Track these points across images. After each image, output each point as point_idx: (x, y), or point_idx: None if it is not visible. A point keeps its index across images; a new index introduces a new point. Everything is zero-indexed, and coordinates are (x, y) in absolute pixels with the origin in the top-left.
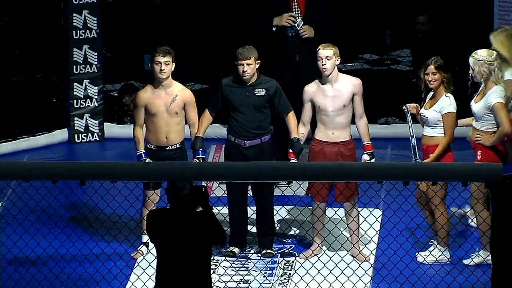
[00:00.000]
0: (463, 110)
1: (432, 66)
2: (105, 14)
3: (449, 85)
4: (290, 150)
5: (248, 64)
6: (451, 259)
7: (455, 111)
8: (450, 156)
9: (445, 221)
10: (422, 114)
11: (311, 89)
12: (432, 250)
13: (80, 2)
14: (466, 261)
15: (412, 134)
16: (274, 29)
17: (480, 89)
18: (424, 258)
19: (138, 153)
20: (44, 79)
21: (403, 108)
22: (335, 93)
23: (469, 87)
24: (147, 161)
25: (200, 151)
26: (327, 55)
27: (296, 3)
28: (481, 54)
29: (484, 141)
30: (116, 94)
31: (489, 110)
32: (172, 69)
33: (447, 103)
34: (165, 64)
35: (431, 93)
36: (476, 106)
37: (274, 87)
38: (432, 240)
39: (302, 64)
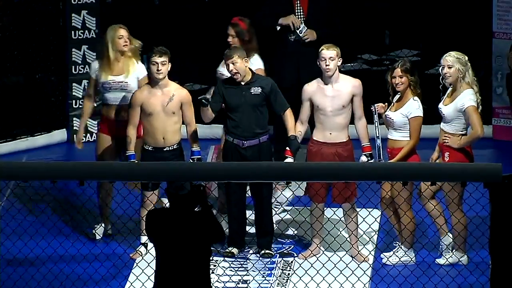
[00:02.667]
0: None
1: (398, 69)
2: (104, 15)
3: (416, 88)
4: (287, 148)
5: (233, 63)
6: (416, 259)
7: (422, 115)
8: (415, 159)
9: (411, 223)
10: (388, 116)
11: (310, 88)
12: (395, 251)
13: (79, 2)
14: (440, 261)
15: (378, 135)
16: (278, 28)
17: (449, 91)
18: (388, 258)
19: (127, 154)
20: (43, 79)
21: (371, 107)
22: (335, 93)
23: (440, 90)
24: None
25: (195, 151)
26: (331, 56)
27: (299, 3)
28: (457, 54)
29: (452, 143)
30: None
31: (460, 113)
32: (169, 69)
33: (415, 106)
34: (162, 64)
35: (397, 96)
36: (447, 108)
37: (270, 85)
38: (396, 242)
39: (302, 65)
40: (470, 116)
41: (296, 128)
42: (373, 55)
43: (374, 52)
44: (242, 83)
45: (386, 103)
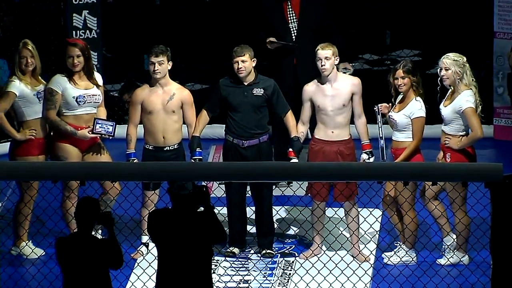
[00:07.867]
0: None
1: (400, 70)
2: (105, 14)
3: (419, 89)
4: (290, 149)
5: (243, 61)
6: (417, 259)
7: (425, 115)
8: (419, 158)
9: (412, 223)
10: (391, 117)
11: (310, 88)
12: (397, 251)
13: (80, 2)
14: (441, 261)
15: (381, 135)
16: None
17: (449, 92)
18: (389, 258)
19: (127, 152)
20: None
21: (375, 108)
22: (335, 93)
23: (438, 91)
24: (135, 161)
25: (197, 152)
26: (326, 56)
27: (290, 6)
28: (454, 56)
29: (452, 144)
30: (116, 94)
31: (457, 114)
32: (169, 68)
33: (417, 107)
34: (159, 64)
35: (400, 96)
36: (446, 110)
37: (272, 87)
38: (398, 242)
39: (299, 67)
40: (469, 118)
41: (298, 129)
42: (374, 55)
43: (375, 52)
44: (245, 83)
45: (390, 103)
